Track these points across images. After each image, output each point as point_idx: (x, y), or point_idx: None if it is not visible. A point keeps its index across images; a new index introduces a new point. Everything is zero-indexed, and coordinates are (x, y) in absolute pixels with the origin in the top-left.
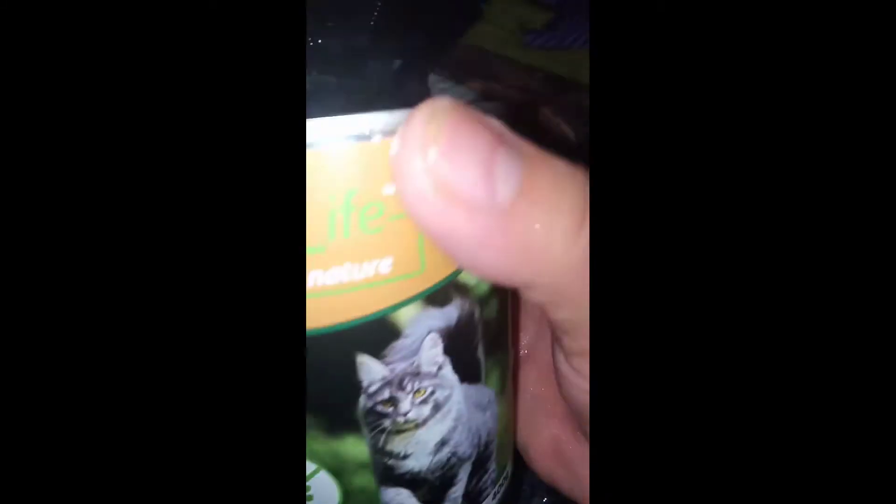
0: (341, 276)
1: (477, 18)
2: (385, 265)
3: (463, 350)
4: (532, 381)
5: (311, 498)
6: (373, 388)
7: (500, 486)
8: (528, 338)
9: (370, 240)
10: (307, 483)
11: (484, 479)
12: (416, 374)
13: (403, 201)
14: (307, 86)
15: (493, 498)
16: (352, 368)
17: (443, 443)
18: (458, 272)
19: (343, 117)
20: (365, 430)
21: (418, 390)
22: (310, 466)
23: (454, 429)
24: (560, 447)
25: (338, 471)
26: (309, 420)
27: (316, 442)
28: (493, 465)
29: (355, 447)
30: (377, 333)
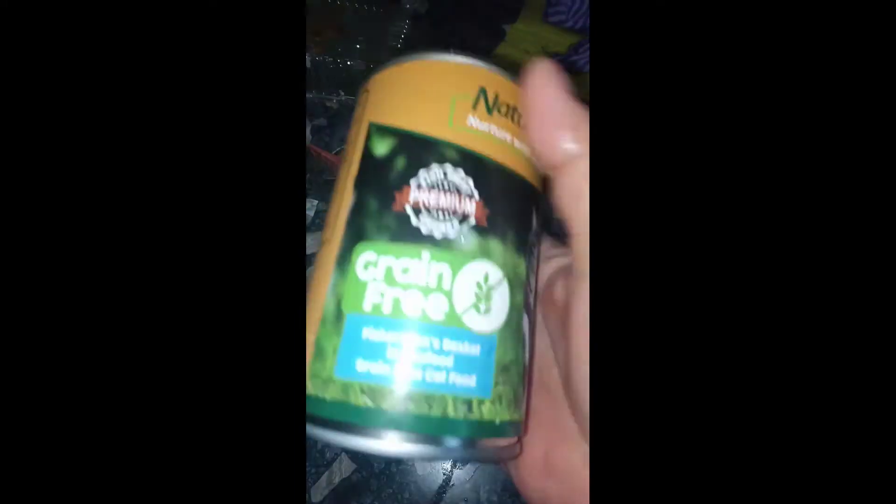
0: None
1: (500, 40)
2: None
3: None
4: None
5: (489, 309)
6: (532, 231)
7: None
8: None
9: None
10: (493, 292)
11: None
12: (537, 239)
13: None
14: (334, 105)
15: None
16: (530, 213)
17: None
18: None
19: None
20: (527, 257)
21: (537, 250)
22: (499, 274)
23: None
24: (551, 458)
25: (512, 283)
26: (509, 236)
27: (508, 254)
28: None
29: (522, 267)
30: (537, 201)
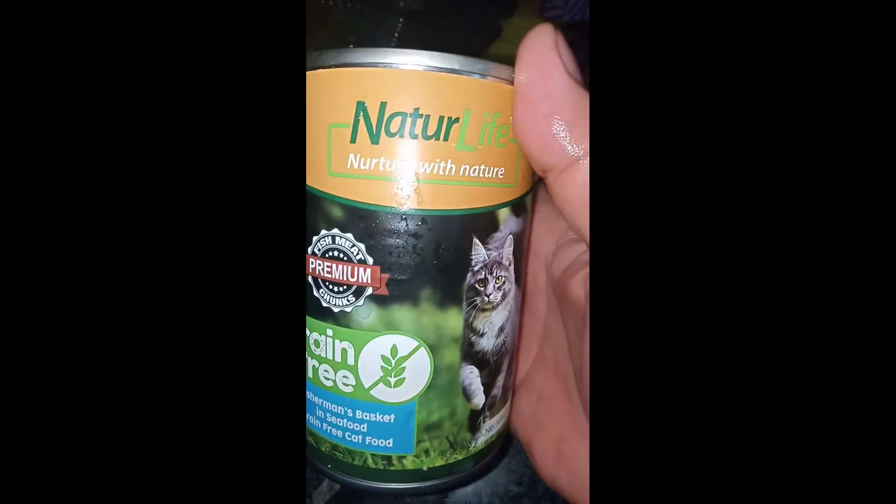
0: (478, 172)
1: (496, 37)
2: (500, 173)
3: (518, 256)
4: (539, 381)
5: (402, 381)
6: (476, 267)
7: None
8: (537, 341)
9: (498, 152)
10: (404, 364)
11: (511, 378)
12: (499, 264)
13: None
14: None
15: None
16: (468, 248)
17: (501, 329)
18: (529, 192)
19: (500, 67)
20: (464, 304)
21: (498, 277)
22: (411, 344)
23: (507, 319)
24: (563, 448)
25: (434, 346)
26: (425, 294)
27: (425, 316)
28: (514, 368)
29: (454, 320)
30: (486, 223)
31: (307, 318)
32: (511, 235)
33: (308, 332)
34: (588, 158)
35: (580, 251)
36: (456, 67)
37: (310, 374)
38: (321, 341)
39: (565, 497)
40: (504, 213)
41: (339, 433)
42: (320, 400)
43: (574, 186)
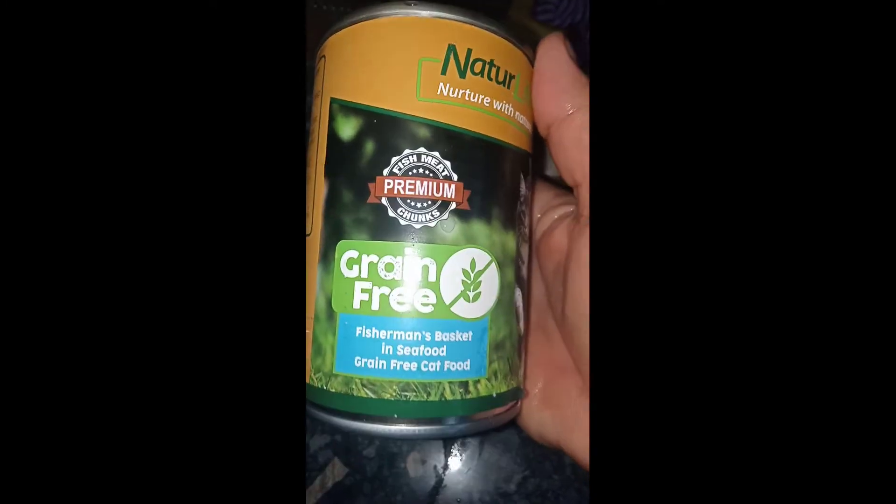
0: (523, 122)
1: None
2: (529, 128)
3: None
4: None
5: (479, 296)
6: (521, 199)
7: None
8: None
9: (530, 111)
10: (480, 278)
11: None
12: (527, 204)
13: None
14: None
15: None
16: (518, 180)
17: (528, 262)
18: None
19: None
20: (516, 230)
21: (527, 214)
22: (485, 258)
23: (527, 255)
24: (548, 389)
25: (501, 263)
26: (496, 213)
27: (496, 233)
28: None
29: (511, 242)
30: (525, 164)
31: (371, 243)
32: (525, 181)
33: (376, 259)
34: (584, 112)
35: (564, 211)
36: (515, 41)
37: (375, 306)
38: (395, 263)
39: (550, 441)
40: (530, 162)
41: (414, 365)
42: (388, 332)
43: (572, 130)
